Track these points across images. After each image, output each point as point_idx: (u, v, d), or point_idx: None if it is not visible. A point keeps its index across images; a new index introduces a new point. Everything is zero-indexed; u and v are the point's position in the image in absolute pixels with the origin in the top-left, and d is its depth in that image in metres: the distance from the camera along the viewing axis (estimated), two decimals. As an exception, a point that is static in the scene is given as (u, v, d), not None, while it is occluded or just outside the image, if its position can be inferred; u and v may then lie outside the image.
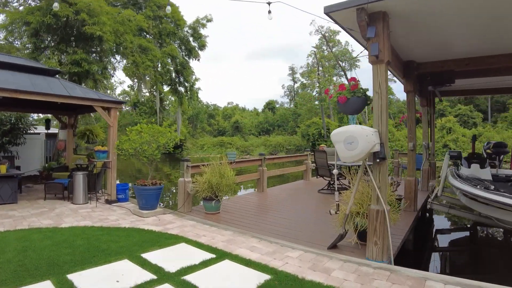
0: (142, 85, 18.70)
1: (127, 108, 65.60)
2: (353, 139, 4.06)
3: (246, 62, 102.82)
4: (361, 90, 4.41)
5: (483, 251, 7.02)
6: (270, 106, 57.29)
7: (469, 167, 8.39)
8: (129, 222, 6.01)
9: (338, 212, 4.66)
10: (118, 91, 64.67)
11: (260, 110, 58.96)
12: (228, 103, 61.91)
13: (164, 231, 5.41)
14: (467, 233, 8.82)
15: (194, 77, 22.66)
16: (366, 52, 4.58)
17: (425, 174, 9.60)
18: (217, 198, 6.35)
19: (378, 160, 4.16)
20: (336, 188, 4.85)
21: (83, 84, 11.80)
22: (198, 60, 21.21)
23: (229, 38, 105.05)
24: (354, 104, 4.42)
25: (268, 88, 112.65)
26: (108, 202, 7.74)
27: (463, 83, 8.57)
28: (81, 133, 9.36)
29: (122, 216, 6.48)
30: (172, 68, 20.55)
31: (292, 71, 54.64)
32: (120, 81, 64.38)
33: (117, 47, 13.21)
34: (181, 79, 20.93)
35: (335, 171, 4.82)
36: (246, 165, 9.18)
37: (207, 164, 6.74)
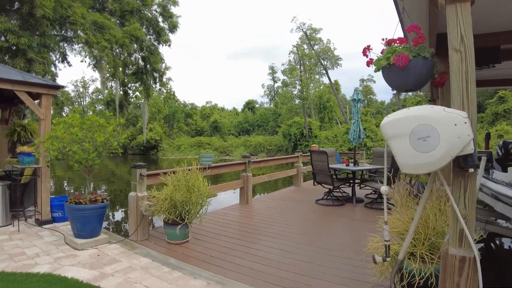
0: (99, 73, 16.00)
1: (101, 107, 62.28)
2: (430, 132, 2.16)
3: (226, 61, 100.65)
4: (426, 49, 2.52)
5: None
6: (250, 105, 55.40)
7: (504, 170, 6.75)
8: (52, 261, 3.92)
9: (388, 258, 2.72)
10: (91, 89, 61.28)
11: (239, 110, 56.98)
12: (207, 103, 59.60)
13: (97, 282, 3.35)
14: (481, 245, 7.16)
15: (164, 65, 20.04)
16: None
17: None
18: (184, 222, 4.32)
19: (467, 169, 2.24)
20: (385, 219, 2.91)
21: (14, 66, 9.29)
22: (169, 45, 18.64)
23: (209, 37, 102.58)
24: (419, 69, 2.49)
25: (248, 88, 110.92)
26: (39, 223, 5.58)
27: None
28: (11, 130, 7.11)
29: (47, 248, 4.37)
30: (138, 55, 17.66)
31: (272, 70, 52.95)
32: (93, 78, 60.62)
33: (62, 21, 10.68)
34: (148, 67, 18.11)
35: (384, 189, 2.84)
36: (227, 171, 7.16)
37: (171, 172, 4.71)
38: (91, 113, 56.79)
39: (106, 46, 12.16)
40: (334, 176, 7.30)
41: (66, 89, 53.09)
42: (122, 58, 16.78)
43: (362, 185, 7.29)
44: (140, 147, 47.23)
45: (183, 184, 4.33)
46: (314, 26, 38.36)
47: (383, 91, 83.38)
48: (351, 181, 7.39)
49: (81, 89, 61.86)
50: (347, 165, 7.62)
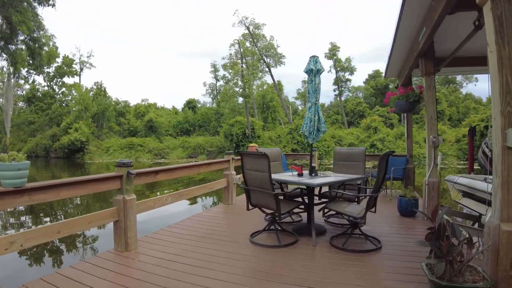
0: None
1: (21, 104, 54.38)
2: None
3: (167, 59, 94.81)
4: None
5: None
6: (191, 105, 51.38)
7: None
8: None
9: None
10: None
11: (180, 109, 52.73)
12: (143, 100, 54.47)
13: None
14: None
15: (43, 31, 15.58)
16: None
17: (433, 189, 5.38)
18: None
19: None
20: None
21: None
22: (53, 6, 14.34)
23: (154, 33, 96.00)
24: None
25: (191, 87, 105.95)
26: None
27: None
28: None
29: None
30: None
31: (215, 68, 49.65)
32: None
33: None
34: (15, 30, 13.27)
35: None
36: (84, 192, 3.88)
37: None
38: None
39: None
40: (282, 193, 4.39)
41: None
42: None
43: (325, 210, 4.44)
44: (64, 150, 41.23)
45: None
46: (257, 22, 35.85)
47: (323, 94, 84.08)
48: (308, 200, 4.54)
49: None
50: (301, 174, 4.76)
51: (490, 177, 5.52)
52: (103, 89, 51.30)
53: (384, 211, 5.92)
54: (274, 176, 4.56)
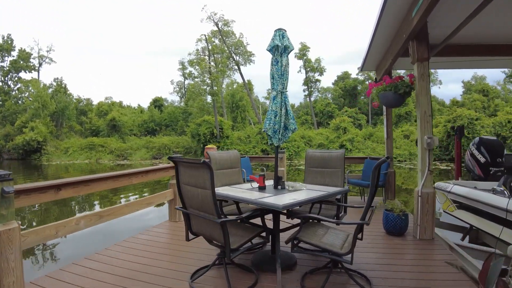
0: None
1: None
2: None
3: (134, 56, 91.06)
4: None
5: None
6: (157, 103, 49.06)
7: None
8: None
9: None
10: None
11: (146, 108, 50.21)
12: (106, 98, 51.49)
13: None
14: None
15: None
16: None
17: (428, 201, 4.28)
18: None
19: None
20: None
21: None
22: None
23: (118, 30, 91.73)
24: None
25: (159, 86, 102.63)
26: None
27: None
28: None
29: None
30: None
31: (183, 66, 47.56)
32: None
33: None
34: None
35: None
36: None
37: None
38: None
39: None
40: (232, 219, 3.09)
41: None
42: None
43: (295, 240, 3.17)
44: (18, 151, 37.90)
45: None
46: (226, 18, 34.40)
47: (292, 96, 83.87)
48: (272, 224, 3.28)
49: None
50: (263, 187, 3.50)
51: (500, 188, 4.55)
52: (63, 85, 47.95)
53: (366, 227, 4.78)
54: (223, 191, 3.28)
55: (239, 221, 3.23)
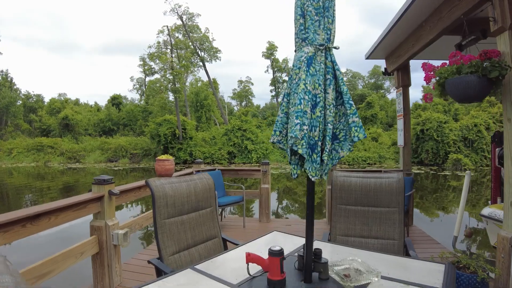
0: None
1: None
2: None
3: (94, 52, 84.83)
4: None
5: None
6: (115, 101, 45.09)
7: None
8: None
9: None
10: None
11: (103, 106, 46.06)
12: (60, 95, 46.76)
13: None
14: None
15: None
16: None
17: None
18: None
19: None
20: None
21: None
22: None
23: (76, 21, 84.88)
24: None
25: (118, 83, 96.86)
26: None
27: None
28: None
29: None
30: None
31: (143, 62, 43.99)
32: None
33: None
34: None
35: None
36: None
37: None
38: None
39: None
40: None
41: None
42: None
43: None
44: (-48, 152, 32.87)
45: None
46: (191, 11, 31.82)
47: (258, 97, 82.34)
48: None
49: None
50: (277, 284, 1.41)
51: None
52: (9, 79, 42.87)
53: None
54: None
55: None
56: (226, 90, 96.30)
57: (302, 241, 1.84)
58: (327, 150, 1.33)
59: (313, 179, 1.32)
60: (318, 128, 1.31)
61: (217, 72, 77.74)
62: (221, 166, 9.48)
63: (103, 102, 64.09)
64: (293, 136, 1.24)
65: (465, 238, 4.31)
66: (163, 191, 1.95)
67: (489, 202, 5.18)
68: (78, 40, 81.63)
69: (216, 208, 2.34)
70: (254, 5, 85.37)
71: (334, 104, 1.37)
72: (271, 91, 42.34)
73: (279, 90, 41.39)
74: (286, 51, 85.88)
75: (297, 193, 14.67)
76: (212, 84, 35.73)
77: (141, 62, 43.31)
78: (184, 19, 31.38)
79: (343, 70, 49.29)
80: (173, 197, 1.99)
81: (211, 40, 32.71)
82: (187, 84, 37.30)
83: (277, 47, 38.14)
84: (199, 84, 39.56)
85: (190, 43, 31.61)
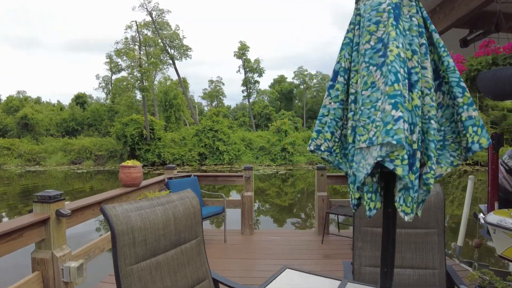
0: None
1: None
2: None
3: (57, 48, 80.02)
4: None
5: None
6: (80, 100, 42.52)
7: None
8: None
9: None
10: None
11: (66, 106, 43.30)
12: (18, 92, 43.54)
13: None
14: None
15: None
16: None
17: None
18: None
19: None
20: None
21: None
22: None
23: (39, 20, 79.66)
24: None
25: (82, 81, 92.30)
26: None
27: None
28: None
29: None
30: None
31: (110, 59, 41.89)
32: None
33: None
34: None
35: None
36: None
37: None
38: None
39: None
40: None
41: None
42: None
43: None
44: None
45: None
46: (161, 7, 30.52)
47: (230, 97, 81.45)
48: None
49: None
50: None
51: None
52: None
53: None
54: None
55: None
56: (196, 90, 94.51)
57: (322, 282, 1.26)
58: (432, 166, 0.75)
59: (406, 219, 0.73)
60: (417, 127, 0.72)
61: (187, 71, 76.22)
62: (197, 172, 8.70)
63: (66, 101, 60.72)
64: (394, 142, 0.65)
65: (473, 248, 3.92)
66: (127, 223, 1.28)
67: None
68: (40, 35, 76.82)
69: (202, 237, 1.69)
70: (226, 4, 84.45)
71: (434, 86, 0.79)
72: (242, 91, 41.75)
73: (251, 91, 40.86)
74: (258, 52, 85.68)
75: (269, 194, 14.19)
76: (182, 83, 34.56)
77: (108, 60, 41.28)
78: (153, 15, 30.08)
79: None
80: (143, 230, 1.32)
81: (181, 37, 31.57)
82: (156, 82, 35.82)
83: (249, 47, 37.65)
84: (168, 83, 38.13)
85: (160, 40, 30.31)
